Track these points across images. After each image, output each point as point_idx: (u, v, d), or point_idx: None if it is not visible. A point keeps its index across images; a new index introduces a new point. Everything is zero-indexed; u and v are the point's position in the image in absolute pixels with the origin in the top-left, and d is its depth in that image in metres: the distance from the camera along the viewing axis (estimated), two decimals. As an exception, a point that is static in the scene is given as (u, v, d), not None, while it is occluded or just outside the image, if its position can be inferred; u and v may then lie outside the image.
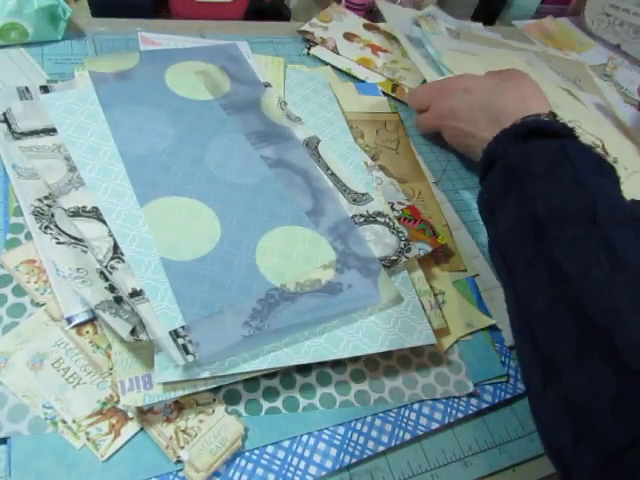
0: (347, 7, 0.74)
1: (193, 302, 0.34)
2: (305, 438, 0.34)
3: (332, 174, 0.45)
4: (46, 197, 0.38)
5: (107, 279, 0.34)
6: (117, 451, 0.31)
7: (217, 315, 0.34)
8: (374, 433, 0.35)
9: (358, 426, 0.35)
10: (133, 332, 0.32)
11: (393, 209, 0.45)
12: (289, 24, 0.70)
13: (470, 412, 0.37)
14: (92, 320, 0.35)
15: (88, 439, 0.31)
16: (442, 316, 0.40)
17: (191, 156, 0.42)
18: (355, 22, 0.73)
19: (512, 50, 0.71)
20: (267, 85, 0.51)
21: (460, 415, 0.37)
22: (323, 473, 0.33)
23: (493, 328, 0.42)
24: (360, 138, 0.55)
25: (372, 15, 0.76)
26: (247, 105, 0.48)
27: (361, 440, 0.34)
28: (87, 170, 0.39)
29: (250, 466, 0.32)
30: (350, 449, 0.34)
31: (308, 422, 0.34)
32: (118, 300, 0.33)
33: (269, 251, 0.38)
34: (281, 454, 0.33)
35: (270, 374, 0.35)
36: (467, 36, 0.71)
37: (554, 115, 0.42)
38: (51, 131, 0.41)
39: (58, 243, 0.36)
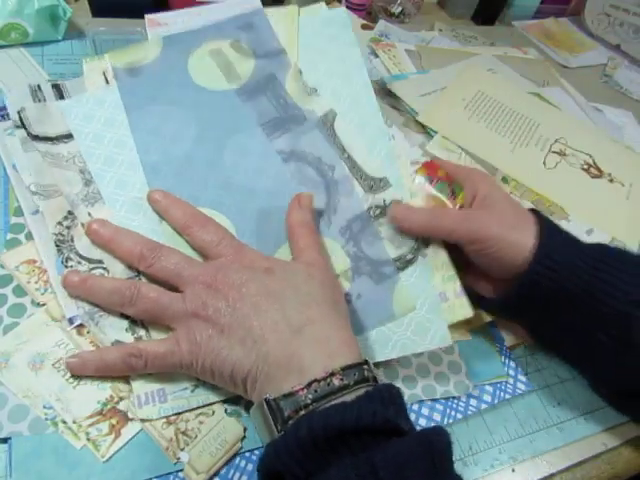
0: (347, 7, 0.74)
1: None
2: (305, 438, 0.34)
3: (348, 157, 0.43)
4: (65, 217, 0.37)
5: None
6: (117, 452, 0.31)
7: None
8: (374, 433, 0.35)
9: (358, 426, 0.35)
10: None
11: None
12: (289, 24, 0.69)
13: (470, 413, 0.37)
14: (92, 320, 0.35)
15: (88, 439, 0.31)
16: (469, 305, 0.38)
17: (207, 159, 0.41)
18: (353, 22, 0.72)
19: (472, 58, 0.69)
20: (283, 52, 0.47)
21: (460, 416, 0.37)
22: (323, 473, 0.33)
23: (493, 328, 0.42)
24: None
25: (371, 16, 0.77)
26: (263, 86, 0.45)
27: (361, 440, 0.34)
28: (105, 184, 0.38)
29: (250, 467, 0.32)
30: (350, 449, 0.34)
31: (308, 422, 0.34)
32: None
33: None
34: (281, 454, 0.33)
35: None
36: (427, 55, 0.67)
37: (363, 365, 0.29)
38: (65, 138, 0.40)
39: None
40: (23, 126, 0.40)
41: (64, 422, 0.31)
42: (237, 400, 0.34)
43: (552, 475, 0.37)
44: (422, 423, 0.36)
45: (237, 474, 0.32)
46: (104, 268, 0.36)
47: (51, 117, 0.41)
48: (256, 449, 0.33)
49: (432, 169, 0.43)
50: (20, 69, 0.51)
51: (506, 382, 0.39)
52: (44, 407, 0.31)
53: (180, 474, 0.31)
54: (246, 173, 0.41)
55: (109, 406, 0.32)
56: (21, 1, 0.50)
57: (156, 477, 0.31)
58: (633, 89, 0.79)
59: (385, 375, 0.37)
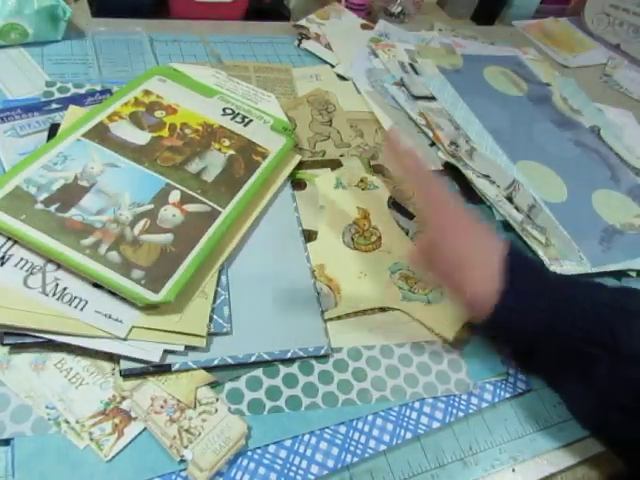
0: (347, 7, 0.74)
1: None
2: (307, 437, 0.34)
3: (616, 154, 0.63)
4: (450, 143, 0.56)
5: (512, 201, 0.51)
6: (120, 451, 0.31)
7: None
8: (375, 432, 0.35)
9: (360, 425, 0.35)
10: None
11: None
12: (289, 24, 0.70)
13: (470, 411, 0.37)
14: (94, 320, 0.35)
15: (91, 439, 0.31)
16: None
17: (524, 134, 0.61)
18: (353, 21, 0.73)
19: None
20: (548, 84, 0.71)
21: (461, 414, 0.37)
22: (325, 472, 0.33)
23: (493, 328, 0.42)
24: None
25: (371, 16, 0.77)
26: (542, 99, 0.68)
27: (362, 439, 0.35)
28: (470, 131, 0.58)
29: (252, 465, 0.32)
30: (352, 448, 0.34)
31: (310, 421, 0.35)
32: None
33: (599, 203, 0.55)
34: (283, 453, 0.33)
35: (272, 373, 0.36)
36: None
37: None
38: (432, 99, 0.61)
39: None
40: (405, 87, 0.62)
41: (67, 422, 0.31)
42: (240, 398, 0.34)
43: (553, 475, 0.37)
44: (424, 421, 0.36)
45: (240, 473, 0.32)
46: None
47: (417, 84, 0.62)
48: (258, 448, 0.33)
49: None
50: (20, 69, 0.51)
51: (506, 381, 0.39)
52: (47, 407, 0.31)
53: (183, 473, 0.31)
54: (551, 147, 0.60)
55: (112, 406, 0.32)
56: (21, 1, 0.50)
57: (159, 476, 0.31)
58: (633, 89, 0.79)
59: (386, 373, 0.38)
